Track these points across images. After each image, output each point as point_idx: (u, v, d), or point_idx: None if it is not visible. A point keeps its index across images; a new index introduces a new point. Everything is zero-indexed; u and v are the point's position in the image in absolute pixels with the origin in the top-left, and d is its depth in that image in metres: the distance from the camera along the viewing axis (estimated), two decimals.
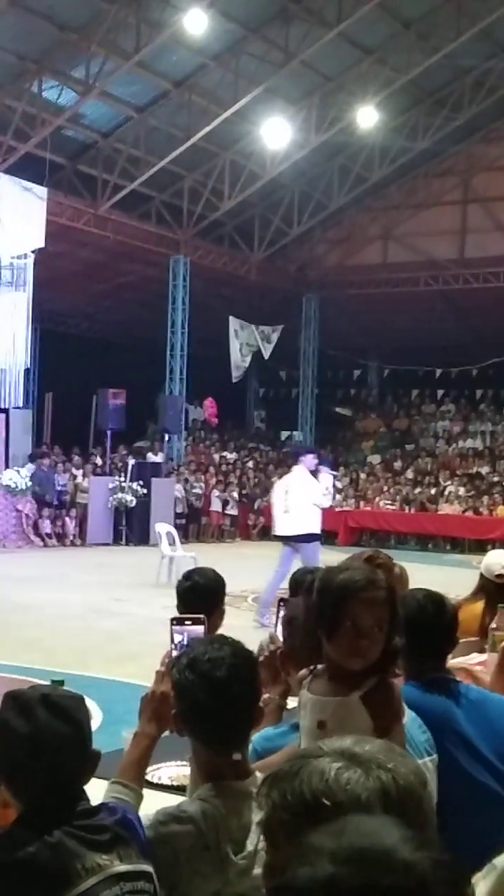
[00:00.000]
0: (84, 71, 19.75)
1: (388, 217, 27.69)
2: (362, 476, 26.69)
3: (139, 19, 19.05)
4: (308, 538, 11.63)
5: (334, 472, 14.70)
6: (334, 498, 13.52)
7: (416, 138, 24.58)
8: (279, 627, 3.34)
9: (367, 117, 22.75)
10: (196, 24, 18.77)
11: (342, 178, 25.72)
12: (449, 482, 25.27)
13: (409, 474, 26.43)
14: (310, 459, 12.02)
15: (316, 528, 11.79)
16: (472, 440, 28.43)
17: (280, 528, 12.03)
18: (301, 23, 20.36)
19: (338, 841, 0.99)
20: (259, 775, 2.25)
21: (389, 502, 24.75)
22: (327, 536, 23.13)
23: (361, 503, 24.75)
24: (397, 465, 27.40)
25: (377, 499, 25.02)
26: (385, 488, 25.48)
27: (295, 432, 30.05)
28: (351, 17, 19.97)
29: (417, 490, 25.04)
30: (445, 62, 22.06)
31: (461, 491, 24.35)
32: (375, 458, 28.36)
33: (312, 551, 11.50)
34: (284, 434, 30.94)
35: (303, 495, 11.68)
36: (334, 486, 13.56)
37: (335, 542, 22.43)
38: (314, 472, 11.93)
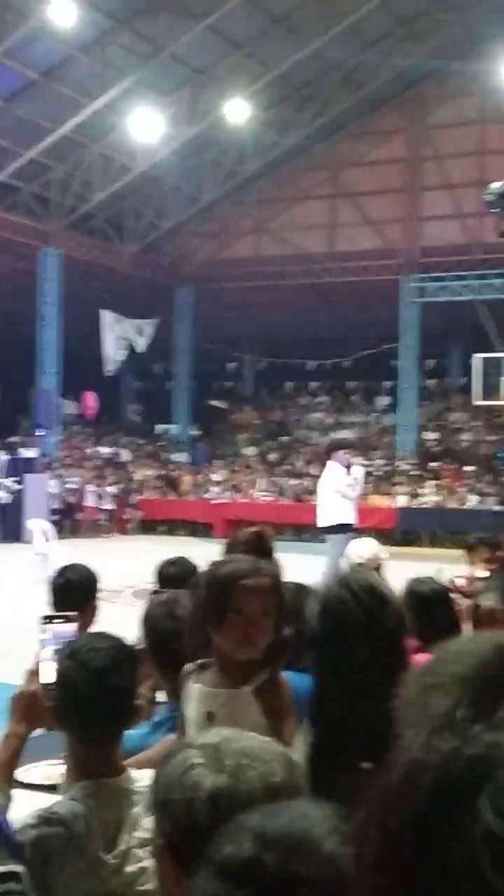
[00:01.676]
0: None
1: (260, 211, 27.87)
2: (237, 468, 26.82)
3: (4, 8, 18.68)
4: (336, 529, 11.82)
5: (366, 463, 15.33)
6: (363, 490, 13.90)
7: (286, 133, 24.81)
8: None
9: (238, 111, 22.85)
10: (63, 13, 18.51)
11: (214, 171, 25.77)
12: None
13: (285, 466, 26.69)
14: (341, 455, 12.51)
15: (344, 519, 12.02)
16: (345, 431, 28.88)
17: (317, 520, 12.51)
18: (169, 15, 20.31)
19: (267, 823, 0.99)
20: (132, 772, 2.25)
21: (265, 494, 24.95)
22: (203, 529, 23.33)
23: (237, 495, 24.88)
24: (272, 456, 27.64)
25: (253, 491, 25.19)
26: (261, 480, 25.68)
27: (170, 426, 30.02)
28: (219, 11, 20.02)
29: (293, 481, 25.31)
30: (314, 58, 22.32)
31: None
32: (251, 451, 28.55)
33: (341, 542, 11.64)
34: (160, 428, 30.87)
35: (329, 488, 12.21)
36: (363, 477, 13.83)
37: (211, 534, 22.52)
38: (348, 467, 12.37)
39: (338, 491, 12.05)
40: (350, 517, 12.12)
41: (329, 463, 12.54)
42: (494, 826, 0.54)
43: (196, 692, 2.54)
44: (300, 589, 3.36)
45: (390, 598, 2.32)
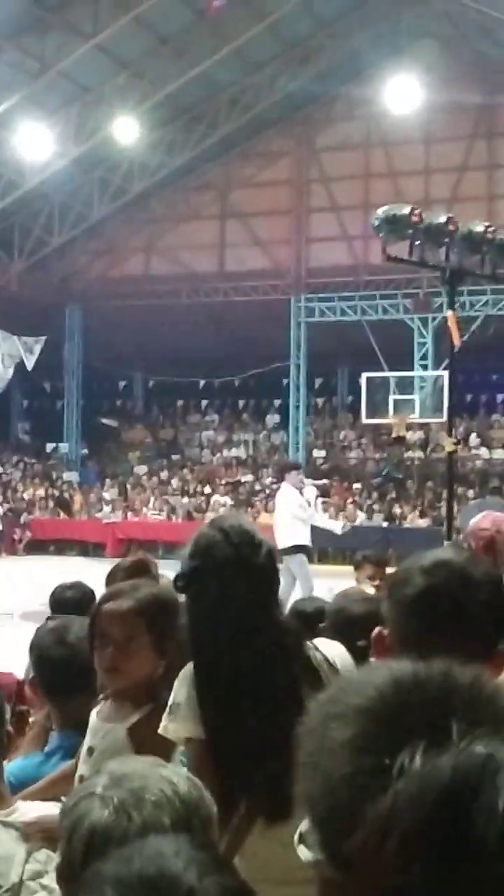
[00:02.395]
0: None
1: (150, 230, 27.90)
2: (129, 487, 26.71)
3: None
4: (291, 551, 11.74)
5: (317, 483, 15.17)
6: (318, 508, 13.90)
7: (175, 153, 24.93)
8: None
9: (126, 130, 22.88)
10: None
11: (102, 189, 25.71)
12: (214, 491, 25.72)
13: (176, 484, 26.70)
14: (293, 476, 12.41)
15: (299, 540, 11.99)
16: (236, 449, 29.07)
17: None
18: (57, 33, 20.25)
19: (123, 868, 0.98)
20: (20, 804, 2.23)
21: (156, 512, 24.91)
22: (95, 548, 23.15)
23: (129, 514, 24.78)
24: (164, 475, 27.62)
25: (144, 509, 25.12)
26: (152, 499, 25.63)
27: (61, 444, 29.70)
28: (107, 30, 20.04)
29: (184, 499, 25.33)
30: (201, 79, 22.51)
31: (226, 499, 24.83)
32: (142, 469, 28.46)
33: (297, 563, 11.75)
34: (50, 446, 30.52)
35: (282, 510, 12.21)
36: (318, 497, 13.92)
37: (103, 553, 22.37)
38: (301, 489, 12.48)
39: (290, 513, 12.16)
40: (304, 538, 12.26)
41: (283, 485, 12.69)
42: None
43: (90, 722, 2.53)
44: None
45: (260, 538, 2.37)
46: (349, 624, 3.29)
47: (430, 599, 1.76)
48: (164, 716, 2.33)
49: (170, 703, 2.34)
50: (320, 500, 13.40)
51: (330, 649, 2.53)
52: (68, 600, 4.08)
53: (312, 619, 3.89)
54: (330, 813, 0.75)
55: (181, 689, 2.33)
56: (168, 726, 2.33)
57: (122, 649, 2.44)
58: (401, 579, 1.83)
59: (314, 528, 12.81)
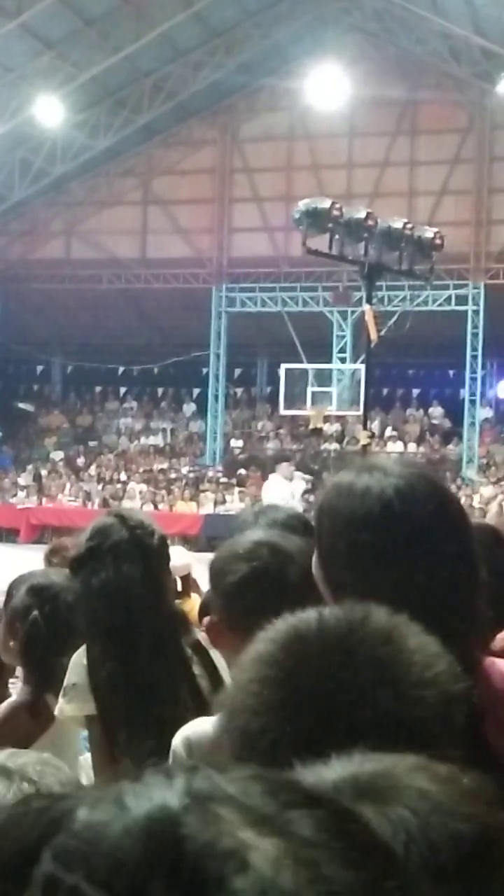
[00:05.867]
0: None
1: (72, 213, 27.63)
2: (44, 472, 26.47)
3: None
4: None
5: (307, 477, 15.14)
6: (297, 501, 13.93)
7: (98, 136, 24.71)
8: None
9: (49, 111, 22.62)
10: None
11: (23, 170, 25.35)
12: (131, 478, 25.64)
13: (93, 471, 26.53)
14: (284, 467, 12.61)
15: None
16: (154, 437, 28.99)
17: None
18: None
19: None
20: None
21: (72, 499, 24.73)
22: (8, 534, 22.90)
23: (44, 500, 24.55)
24: (80, 461, 27.42)
25: (60, 495, 24.92)
26: (68, 485, 25.43)
27: None
28: (31, 9, 19.79)
29: (100, 486, 25.19)
30: (126, 63, 22.36)
31: (143, 487, 24.77)
32: (58, 455, 28.21)
33: None
34: None
35: (266, 499, 12.50)
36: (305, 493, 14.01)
37: (16, 539, 22.16)
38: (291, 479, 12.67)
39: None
40: None
41: (271, 476, 12.92)
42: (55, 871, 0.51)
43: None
44: None
45: (155, 526, 2.52)
46: None
47: (252, 582, 1.87)
48: (60, 698, 2.40)
49: (64, 684, 2.40)
50: (305, 495, 13.53)
51: None
52: None
53: None
54: None
55: (77, 669, 2.39)
56: (64, 707, 2.39)
57: None
58: (220, 570, 1.94)
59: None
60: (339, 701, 0.88)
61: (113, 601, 2.36)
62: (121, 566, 2.37)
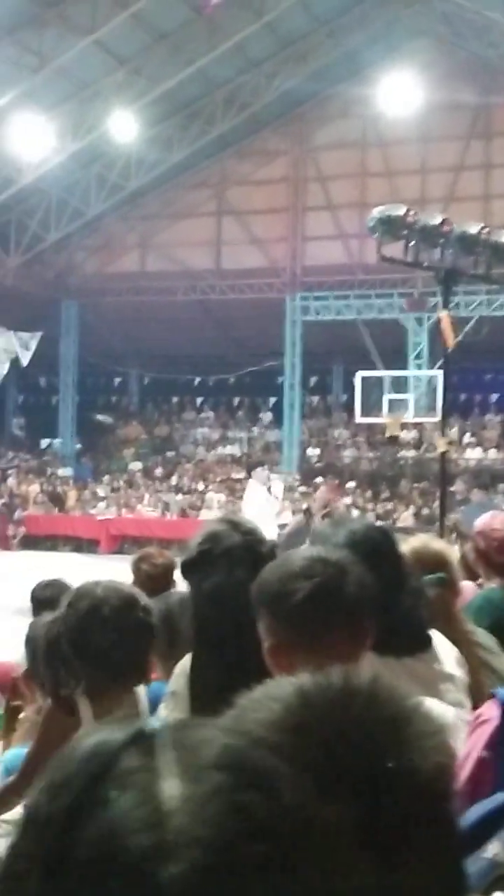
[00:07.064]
0: None
1: (146, 226, 27.91)
2: (123, 483, 26.74)
3: None
4: None
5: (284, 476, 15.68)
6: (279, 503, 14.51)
7: (171, 149, 24.93)
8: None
9: (123, 126, 22.89)
10: None
11: (99, 185, 25.71)
12: (209, 488, 25.74)
13: (171, 481, 26.72)
14: (259, 472, 12.95)
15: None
16: (231, 446, 29.09)
17: None
18: (55, 29, 20.25)
19: None
20: None
21: (151, 509, 24.93)
22: (89, 544, 23.17)
23: (123, 510, 24.79)
24: (158, 471, 27.63)
25: (139, 506, 25.14)
26: (147, 495, 25.65)
27: (55, 440, 29.72)
28: (105, 26, 20.06)
29: (178, 496, 25.35)
30: (198, 76, 22.53)
31: (221, 497, 24.86)
32: (136, 465, 28.47)
33: None
34: (44, 442, 30.52)
35: (247, 504, 13.09)
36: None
37: (97, 550, 22.41)
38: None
39: (258, 507, 12.51)
40: (270, 533, 12.43)
41: (248, 482, 13.13)
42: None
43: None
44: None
45: (265, 535, 2.54)
46: None
47: (318, 599, 1.85)
48: (162, 706, 2.39)
49: (167, 691, 2.40)
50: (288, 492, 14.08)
51: None
52: (46, 598, 4.06)
53: None
54: None
55: (178, 678, 2.38)
56: (168, 716, 2.38)
57: None
58: (278, 591, 1.89)
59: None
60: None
61: (224, 606, 2.34)
62: (233, 571, 2.35)
